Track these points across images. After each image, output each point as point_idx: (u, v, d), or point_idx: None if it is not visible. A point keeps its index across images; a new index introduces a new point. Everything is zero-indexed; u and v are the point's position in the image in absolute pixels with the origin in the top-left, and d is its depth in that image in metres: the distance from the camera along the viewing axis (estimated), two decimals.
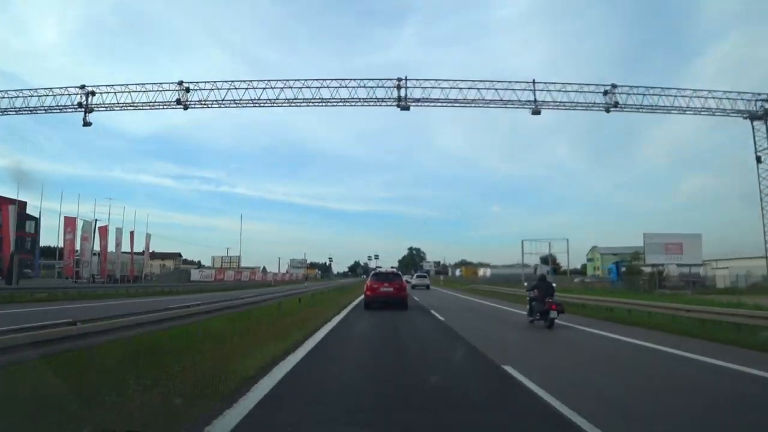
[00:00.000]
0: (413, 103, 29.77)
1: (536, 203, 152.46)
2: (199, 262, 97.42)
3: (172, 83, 30.27)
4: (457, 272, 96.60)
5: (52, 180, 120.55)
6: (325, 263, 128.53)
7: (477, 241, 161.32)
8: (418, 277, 49.95)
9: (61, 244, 35.91)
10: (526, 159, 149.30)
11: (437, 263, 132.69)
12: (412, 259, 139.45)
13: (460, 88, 29.76)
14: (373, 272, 21.96)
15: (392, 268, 23.31)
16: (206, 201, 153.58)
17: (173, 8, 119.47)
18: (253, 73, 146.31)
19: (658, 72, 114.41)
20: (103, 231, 36.25)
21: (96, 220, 38.25)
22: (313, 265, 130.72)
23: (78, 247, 33.21)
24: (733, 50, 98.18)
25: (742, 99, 31.15)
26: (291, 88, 30.05)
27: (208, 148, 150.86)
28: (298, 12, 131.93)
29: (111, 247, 36.71)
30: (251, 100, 30.35)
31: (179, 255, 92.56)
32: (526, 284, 15.36)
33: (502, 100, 30.10)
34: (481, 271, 78.86)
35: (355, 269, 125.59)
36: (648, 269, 42.95)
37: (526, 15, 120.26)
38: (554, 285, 14.28)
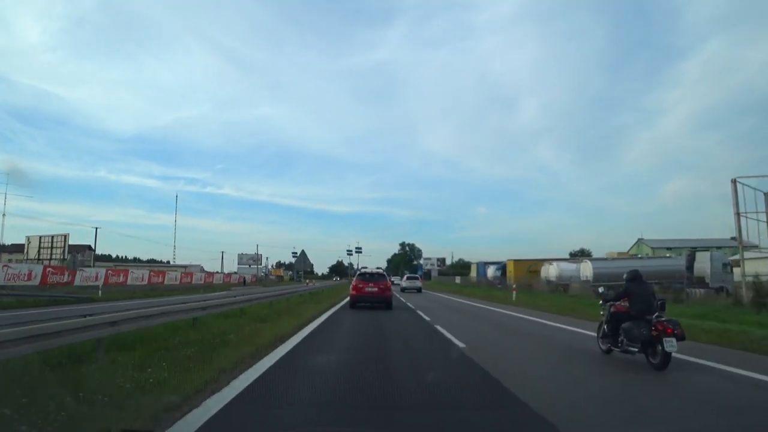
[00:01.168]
0: None
1: (521, 204, 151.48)
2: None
3: None
4: (491, 271, 57.37)
5: (35, 179, 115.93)
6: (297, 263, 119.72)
7: (463, 242, 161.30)
8: (408, 279, 43.95)
9: None
10: (511, 160, 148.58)
11: (440, 261, 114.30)
12: (405, 257, 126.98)
13: None
14: (358, 272, 22.46)
15: (378, 268, 22.91)
16: (192, 202, 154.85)
17: (158, 7, 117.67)
18: (238, 73, 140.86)
19: (643, 74, 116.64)
20: None
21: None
22: (292, 266, 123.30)
23: None
24: (717, 53, 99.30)
25: None
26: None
27: (193, 148, 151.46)
28: (285, 12, 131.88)
29: None
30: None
31: (89, 248, 71.78)
32: (600, 290, 9.27)
33: None
34: (552, 269, 40.33)
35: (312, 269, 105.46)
36: None
37: (513, 17, 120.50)
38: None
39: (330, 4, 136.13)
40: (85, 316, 6.60)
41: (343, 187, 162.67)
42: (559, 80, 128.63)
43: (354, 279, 21.32)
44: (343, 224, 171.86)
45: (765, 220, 18.82)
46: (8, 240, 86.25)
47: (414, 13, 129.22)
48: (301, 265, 49.84)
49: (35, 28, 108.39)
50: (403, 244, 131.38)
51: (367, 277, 20.07)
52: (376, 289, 19.14)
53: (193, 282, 50.79)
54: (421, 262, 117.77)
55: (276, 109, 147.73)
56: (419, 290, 38.76)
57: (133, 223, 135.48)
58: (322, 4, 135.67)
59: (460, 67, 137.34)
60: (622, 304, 7.72)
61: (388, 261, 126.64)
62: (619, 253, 58.11)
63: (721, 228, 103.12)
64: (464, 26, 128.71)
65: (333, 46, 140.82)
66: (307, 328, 11.74)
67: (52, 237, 50.94)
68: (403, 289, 38.80)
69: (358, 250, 78.83)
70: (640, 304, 7.28)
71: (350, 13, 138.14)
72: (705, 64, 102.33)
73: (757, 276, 17.27)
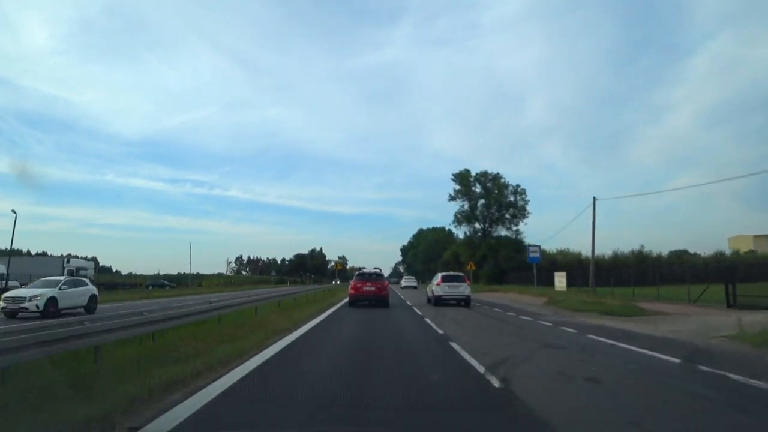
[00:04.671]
0: None
1: (529, 203, 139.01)
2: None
3: None
4: None
5: (42, 183, 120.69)
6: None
7: None
8: (446, 279, 23.72)
9: None
10: (518, 159, 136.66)
11: None
12: (447, 237, 78.33)
13: None
14: (357, 273, 22.92)
15: (376, 269, 23.10)
16: (199, 204, 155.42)
17: (165, 10, 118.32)
18: (245, 75, 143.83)
19: (650, 71, 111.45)
20: None
21: None
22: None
23: None
24: (724, 50, 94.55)
25: None
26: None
27: (200, 151, 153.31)
28: (292, 13, 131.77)
29: None
30: None
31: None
32: None
33: None
34: None
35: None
36: None
37: (519, 15, 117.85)
38: None
39: (336, 5, 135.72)
40: None
41: (350, 188, 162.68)
42: (566, 78, 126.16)
43: (353, 279, 22.15)
44: (349, 225, 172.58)
45: None
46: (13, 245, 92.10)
47: (420, 12, 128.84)
48: None
49: (42, 32, 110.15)
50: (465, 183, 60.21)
51: (366, 276, 21.28)
52: (373, 289, 20.44)
53: None
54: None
55: (282, 111, 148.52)
56: (467, 302, 22.87)
57: (140, 226, 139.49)
58: (328, 4, 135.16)
59: (467, 67, 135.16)
60: None
61: (404, 249, 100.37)
62: None
63: (735, 224, 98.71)
64: (470, 25, 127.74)
65: (339, 46, 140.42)
66: None
67: None
68: (438, 300, 22.75)
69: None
70: None
71: (356, 14, 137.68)
72: (712, 60, 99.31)
73: None
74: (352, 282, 21.72)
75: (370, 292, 20.31)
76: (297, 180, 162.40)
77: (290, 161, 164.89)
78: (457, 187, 62.68)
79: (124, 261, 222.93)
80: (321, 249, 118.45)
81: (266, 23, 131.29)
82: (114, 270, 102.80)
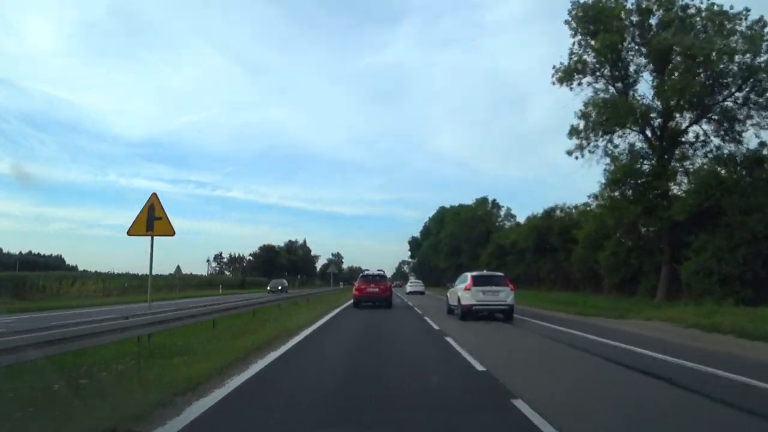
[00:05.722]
0: None
1: (533, 204, 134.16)
2: None
3: None
4: None
5: (45, 185, 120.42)
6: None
7: None
8: (479, 281, 16.14)
9: None
10: (522, 159, 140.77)
11: None
12: (489, 214, 55.72)
13: None
14: (361, 275, 23.75)
15: (379, 270, 23.61)
16: (201, 205, 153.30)
17: (168, 11, 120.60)
18: (248, 76, 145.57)
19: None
20: None
21: None
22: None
23: None
24: None
25: None
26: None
27: (203, 152, 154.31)
28: (295, 13, 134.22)
29: None
30: None
31: None
32: None
33: None
34: None
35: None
36: None
37: (523, 16, 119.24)
38: None
39: (339, 6, 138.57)
40: None
41: (353, 189, 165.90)
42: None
43: (357, 281, 22.93)
44: (352, 226, 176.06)
45: None
46: (16, 248, 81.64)
47: (423, 13, 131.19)
48: None
49: (46, 34, 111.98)
50: None
51: (369, 278, 22.06)
52: (377, 290, 21.13)
53: None
54: None
55: (285, 112, 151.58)
56: (508, 315, 16.04)
57: None
58: (332, 5, 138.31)
59: (470, 67, 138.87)
60: None
61: (414, 241, 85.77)
62: None
63: None
64: (474, 25, 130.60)
65: (342, 47, 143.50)
66: None
67: None
68: (467, 311, 15.87)
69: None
70: None
71: (359, 15, 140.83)
72: None
73: None
74: (356, 283, 22.67)
75: (374, 293, 21.02)
76: (300, 181, 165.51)
77: (293, 162, 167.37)
78: (583, 41, 23.14)
79: (125, 260, 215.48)
80: (305, 241, 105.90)
81: (270, 24, 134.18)
82: (81, 269, 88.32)
